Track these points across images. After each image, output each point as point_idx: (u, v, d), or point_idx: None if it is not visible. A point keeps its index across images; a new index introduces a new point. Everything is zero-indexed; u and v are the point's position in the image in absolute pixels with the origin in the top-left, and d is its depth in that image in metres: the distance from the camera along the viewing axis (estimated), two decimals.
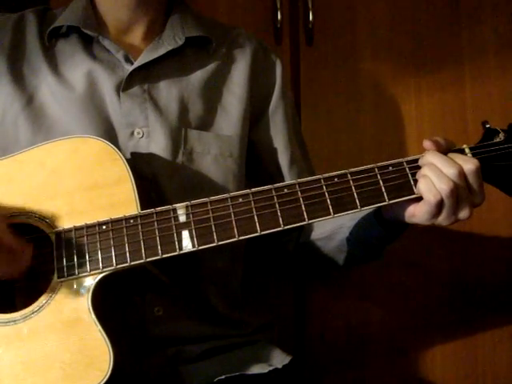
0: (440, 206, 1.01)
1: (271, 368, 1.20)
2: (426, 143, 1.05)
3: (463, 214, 1.02)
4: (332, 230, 1.27)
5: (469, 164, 1.01)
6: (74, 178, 1.07)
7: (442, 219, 1.03)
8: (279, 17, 1.63)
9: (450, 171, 1.00)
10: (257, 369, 1.19)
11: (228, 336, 1.22)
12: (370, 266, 1.29)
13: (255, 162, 1.33)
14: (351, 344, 1.63)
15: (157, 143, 1.20)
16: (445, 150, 1.05)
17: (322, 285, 1.65)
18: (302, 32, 1.68)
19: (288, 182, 1.05)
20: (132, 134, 1.19)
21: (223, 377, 1.14)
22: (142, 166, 1.17)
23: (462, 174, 1.00)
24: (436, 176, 1.00)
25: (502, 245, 1.65)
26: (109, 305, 1.07)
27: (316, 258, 1.34)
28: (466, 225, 1.00)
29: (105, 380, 0.96)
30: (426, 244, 1.63)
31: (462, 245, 1.64)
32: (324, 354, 1.62)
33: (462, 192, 1.00)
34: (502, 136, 1.04)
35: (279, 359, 1.24)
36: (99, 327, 0.99)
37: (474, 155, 1.04)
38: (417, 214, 1.04)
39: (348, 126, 1.67)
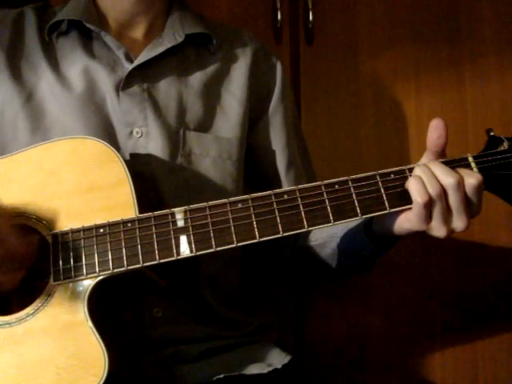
0: (429, 208, 0.98)
1: (271, 368, 1.19)
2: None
3: (458, 224, 0.99)
4: (326, 237, 1.26)
5: (471, 178, 0.98)
6: (72, 180, 1.06)
7: (435, 226, 0.99)
8: (279, 17, 1.63)
9: (449, 180, 0.98)
10: (256, 369, 1.18)
11: (227, 337, 1.21)
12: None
13: (253, 164, 1.32)
14: (351, 344, 1.63)
15: (155, 143, 1.19)
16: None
17: (323, 285, 1.65)
18: (302, 32, 1.68)
19: (288, 188, 1.03)
20: (131, 133, 1.19)
21: (222, 375, 1.14)
22: (140, 166, 1.16)
23: (460, 185, 0.98)
24: (427, 179, 0.99)
25: (502, 252, 1.65)
26: (105, 308, 1.07)
27: (312, 263, 1.33)
28: (467, 233, 0.99)
29: None
30: (428, 250, 1.64)
31: (463, 252, 1.65)
32: (324, 354, 1.63)
33: (457, 203, 0.98)
34: (506, 145, 1.02)
35: (279, 359, 1.23)
36: (94, 331, 0.98)
37: (477, 164, 1.02)
38: (409, 217, 1.01)
39: (348, 126, 1.68)
